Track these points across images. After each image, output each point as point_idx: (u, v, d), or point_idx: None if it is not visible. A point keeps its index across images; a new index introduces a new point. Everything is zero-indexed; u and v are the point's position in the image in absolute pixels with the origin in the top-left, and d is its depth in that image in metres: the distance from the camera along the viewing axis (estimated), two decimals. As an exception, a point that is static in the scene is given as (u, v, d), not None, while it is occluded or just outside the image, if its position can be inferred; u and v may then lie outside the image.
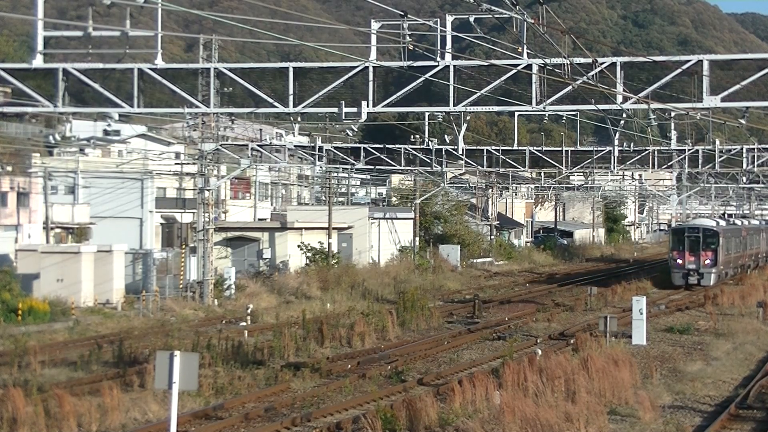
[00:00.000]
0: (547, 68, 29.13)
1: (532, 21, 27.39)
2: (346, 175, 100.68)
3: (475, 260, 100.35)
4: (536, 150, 66.47)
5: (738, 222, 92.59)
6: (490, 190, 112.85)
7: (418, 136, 77.18)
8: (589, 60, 29.35)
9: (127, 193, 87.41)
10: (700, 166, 64.91)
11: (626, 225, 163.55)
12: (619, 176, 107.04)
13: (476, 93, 29.79)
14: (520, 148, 66.75)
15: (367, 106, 29.73)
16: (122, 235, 79.17)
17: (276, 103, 30.37)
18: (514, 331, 50.94)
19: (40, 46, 29.93)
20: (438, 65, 29.66)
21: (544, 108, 29.77)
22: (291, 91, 30.11)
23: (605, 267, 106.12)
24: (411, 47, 28.28)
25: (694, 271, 74.73)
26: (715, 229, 75.71)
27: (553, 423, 25.73)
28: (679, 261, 75.05)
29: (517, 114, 57.24)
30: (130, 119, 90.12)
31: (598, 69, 29.15)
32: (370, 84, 29.75)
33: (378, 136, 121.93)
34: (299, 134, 69.73)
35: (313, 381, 36.25)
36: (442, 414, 28.08)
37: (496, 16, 28.19)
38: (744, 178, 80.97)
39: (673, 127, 58.47)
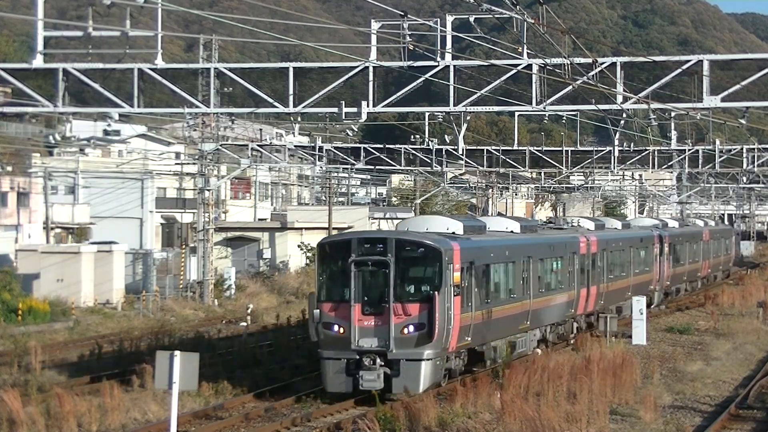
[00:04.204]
0: (547, 68, 29.14)
1: (532, 21, 27.40)
2: (346, 175, 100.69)
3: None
4: (536, 150, 66.43)
5: (587, 224, 52.61)
6: (490, 190, 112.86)
7: (418, 136, 77.16)
8: (589, 60, 29.35)
9: (127, 193, 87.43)
10: (700, 166, 64.86)
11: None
12: (619, 176, 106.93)
13: (476, 93, 29.79)
14: (520, 148, 66.71)
15: (367, 106, 29.75)
16: (122, 235, 79.15)
17: (276, 103, 30.38)
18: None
19: (40, 46, 29.93)
20: (438, 65, 29.67)
21: (544, 108, 29.78)
22: (291, 91, 30.13)
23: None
24: (411, 47, 28.31)
25: (372, 357, 31.04)
26: (432, 244, 31.86)
27: (554, 423, 25.73)
28: (338, 328, 31.38)
29: (517, 114, 57.28)
30: (130, 119, 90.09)
31: (598, 69, 29.15)
32: (370, 84, 29.77)
33: (378, 136, 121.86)
34: (299, 134, 69.79)
35: (313, 381, 36.22)
36: (442, 414, 28.08)
37: (496, 16, 28.21)
38: (744, 178, 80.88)
39: (673, 127, 58.46)
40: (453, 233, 34.32)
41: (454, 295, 31.86)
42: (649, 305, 53.40)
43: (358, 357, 31.08)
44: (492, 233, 38.52)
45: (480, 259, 34.62)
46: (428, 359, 31.18)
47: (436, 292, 31.01)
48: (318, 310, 31.45)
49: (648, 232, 59.64)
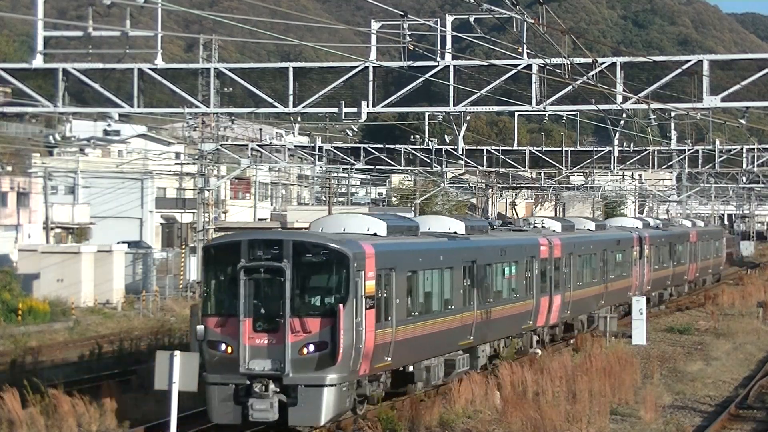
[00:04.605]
0: (547, 68, 29.15)
1: (532, 21, 27.41)
2: (346, 175, 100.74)
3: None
4: (536, 150, 66.45)
5: (553, 225, 46.97)
6: (490, 190, 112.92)
7: (418, 136, 77.18)
8: (589, 60, 29.36)
9: (127, 193, 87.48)
10: (700, 166, 64.89)
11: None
12: (619, 176, 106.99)
13: (476, 93, 29.81)
14: (520, 148, 66.75)
15: (367, 106, 29.76)
16: (122, 235, 79.20)
17: (276, 103, 30.40)
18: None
19: (40, 46, 29.95)
20: (438, 65, 29.68)
21: (544, 108, 29.79)
22: (291, 91, 30.14)
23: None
24: (411, 47, 28.32)
25: (264, 382, 26.20)
26: (336, 247, 26.93)
27: (555, 423, 25.77)
28: (225, 347, 26.73)
29: (517, 114, 57.31)
30: (130, 119, 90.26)
31: (598, 69, 29.16)
32: (370, 84, 29.78)
33: (378, 136, 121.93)
34: (299, 134, 69.81)
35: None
36: (443, 414, 28.11)
37: (496, 16, 28.24)
38: (744, 178, 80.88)
39: (673, 127, 58.42)
40: (374, 234, 29.60)
41: (367, 308, 26.91)
42: (626, 314, 51.11)
43: (248, 382, 26.07)
44: (426, 235, 33.16)
45: (404, 264, 29.60)
46: (332, 385, 26.04)
47: (342, 305, 26.04)
48: (202, 326, 26.66)
49: (626, 234, 55.26)
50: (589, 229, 51.23)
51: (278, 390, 25.90)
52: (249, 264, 26.27)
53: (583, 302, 46.28)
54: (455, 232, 35.10)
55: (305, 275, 26.52)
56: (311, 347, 26.01)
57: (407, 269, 29.75)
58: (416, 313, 30.21)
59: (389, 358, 28.51)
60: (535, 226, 45.70)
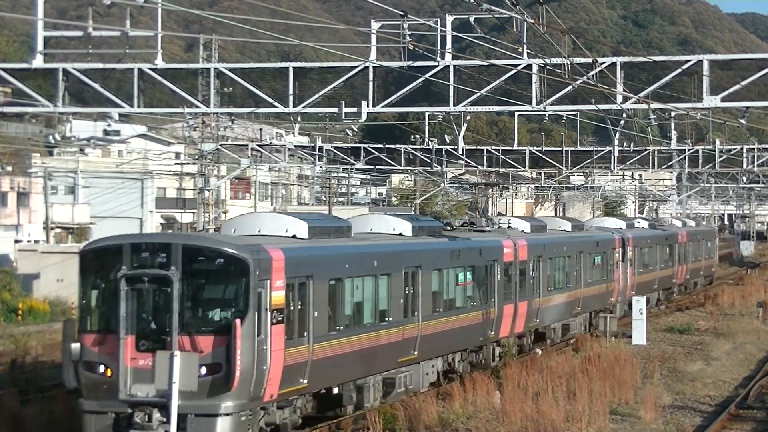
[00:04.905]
0: (547, 68, 29.14)
1: (532, 21, 27.41)
2: (346, 175, 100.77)
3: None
4: (536, 150, 66.43)
5: (521, 226, 43.87)
6: (490, 190, 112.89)
7: (418, 136, 77.18)
8: (589, 60, 29.35)
9: (127, 193, 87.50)
10: (700, 166, 64.84)
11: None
12: (619, 176, 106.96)
13: (476, 93, 29.81)
14: (520, 148, 66.71)
15: (367, 106, 29.76)
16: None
17: (276, 103, 30.40)
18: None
19: (40, 46, 29.96)
20: (438, 65, 29.68)
21: (544, 108, 29.78)
22: (291, 91, 30.13)
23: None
24: (411, 47, 28.32)
25: (148, 410, 22.55)
26: (234, 253, 23.15)
27: (555, 422, 25.79)
28: (103, 369, 23.06)
29: (517, 114, 57.30)
30: (130, 119, 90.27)
31: (598, 69, 29.16)
32: (370, 84, 29.77)
33: (378, 136, 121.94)
34: (299, 134, 69.81)
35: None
36: (442, 414, 28.12)
37: (496, 16, 28.24)
38: (744, 178, 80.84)
39: (673, 127, 58.38)
40: (293, 237, 26.18)
41: (273, 323, 23.28)
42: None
43: (129, 410, 22.48)
44: (359, 237, 29.75)
45: (326, 271, 26.02)
46: (227, 414, 22.42)
47: (239, 320, 22.34)
48: (78, 344, 22.95)
49: (607, 235, 52.20)
50: (564, 230, 48.19)
51: (164, 420, 22.36)
52: (131, 272, 22.78)
53: (555, 309, 43.45)
54: (400, 234, 32.10)
55: (197, 285, 23.03)
56: (203, 370, 22.46)
57: (330, 277, 26.28)
58: (341, 327, 26.84)
59: (305, 380, 24.95)
60: (500, 227, 41.94)
